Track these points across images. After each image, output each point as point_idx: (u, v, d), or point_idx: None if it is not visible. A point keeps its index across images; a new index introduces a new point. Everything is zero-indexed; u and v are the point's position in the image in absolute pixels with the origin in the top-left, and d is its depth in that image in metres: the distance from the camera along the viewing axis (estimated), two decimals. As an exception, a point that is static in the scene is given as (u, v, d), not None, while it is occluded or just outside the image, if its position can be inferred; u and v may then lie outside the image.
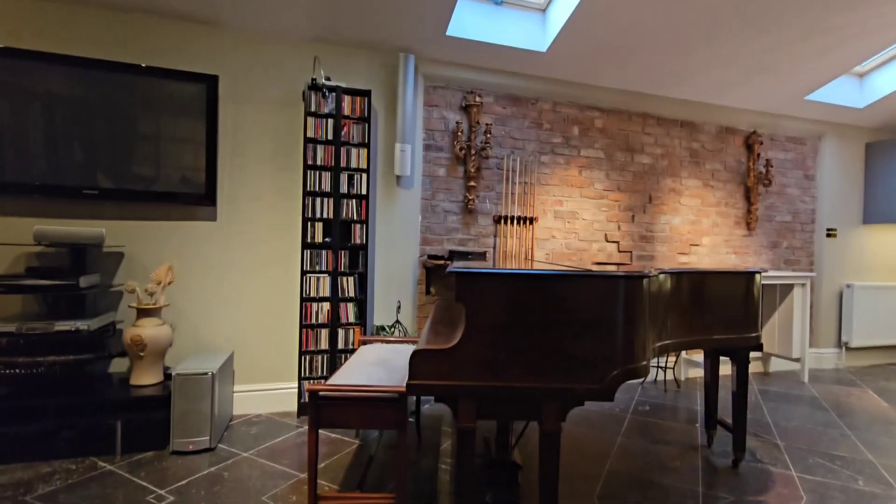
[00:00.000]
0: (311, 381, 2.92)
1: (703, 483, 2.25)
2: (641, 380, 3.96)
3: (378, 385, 1.86)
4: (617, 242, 3.97)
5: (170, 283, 2.63)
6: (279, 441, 2.61)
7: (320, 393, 1.79)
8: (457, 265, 1.59)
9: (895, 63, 4.13)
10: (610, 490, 2.17)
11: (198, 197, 2.80)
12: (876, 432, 2.91)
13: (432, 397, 2.26)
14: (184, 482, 2.15)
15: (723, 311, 2.12)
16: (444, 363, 1.52)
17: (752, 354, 4.37)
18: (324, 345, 2.97)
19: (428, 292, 3.41)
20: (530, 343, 1.51)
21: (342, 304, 3.00)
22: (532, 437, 2.73)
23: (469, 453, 1.56)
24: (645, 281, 1.61)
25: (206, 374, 2.44)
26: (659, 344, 1.81)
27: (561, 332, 1.51)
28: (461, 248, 3.48)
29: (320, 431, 2.74)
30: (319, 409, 1.79)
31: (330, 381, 1.97)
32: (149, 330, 2.49)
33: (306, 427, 2.68)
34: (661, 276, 1.79)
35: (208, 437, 2.44)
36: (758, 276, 2.24)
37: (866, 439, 2.80)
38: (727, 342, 2.13)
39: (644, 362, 1.60)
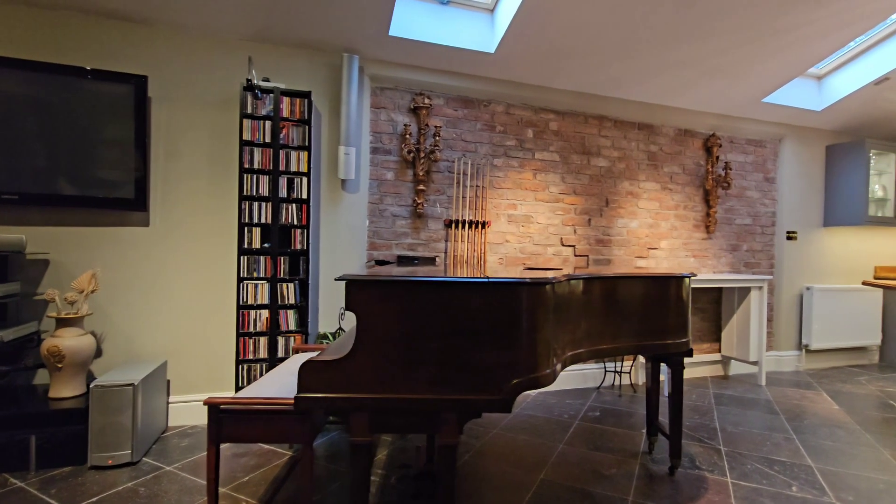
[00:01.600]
0: (249, 391, 2.84)
1: (634, 491, 2.20)
2: (589, 388, 3.92)
3: (287, 397, 1.79)
4: (573, 246, 3.93)
5: (93, 292, 2.54)
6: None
7: (221, 406, 1.72)
8: (350, 273, 1.53)
9: (852, 65, 4.14)
10: (538, 500, 2.11)
11: (128, 202, 2.71)
12: (821, 436, 2.89)
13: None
14: (94, 499, 2.06)
15: (647, 316, 2.07)
16: (335, 375, 1.45)
17: (713, 358, 4.35)
18: (263, 353, 2.89)
19: (376, 298, 3.34)
20: (425, 353, 1.45)
21: (282, 312, 2.92)
22: (463, 446, 2.67)
23: (363, 469, 1.49)
24: (548, 287, 1.56)
25: (127, 385, 2.36)
26: (572, 352, 1.76)
27: (457, 342, 1.46)
28: (410, 253, 3.42)
29: (256, 444, 2.66)
30: (220, 423, 1.72)
31: (240, 393, 1.90)
32: (68, 340, 2.39)
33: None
34: (572, 282, 1.74)
35: (130, 451, 2.35)
36: (686, 280, 2.20)
37: (810, 443, 2.77)
38: (653, 348, 2.08)
39: (548, 370, 1.55)
